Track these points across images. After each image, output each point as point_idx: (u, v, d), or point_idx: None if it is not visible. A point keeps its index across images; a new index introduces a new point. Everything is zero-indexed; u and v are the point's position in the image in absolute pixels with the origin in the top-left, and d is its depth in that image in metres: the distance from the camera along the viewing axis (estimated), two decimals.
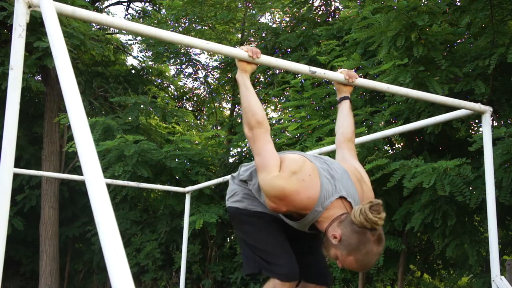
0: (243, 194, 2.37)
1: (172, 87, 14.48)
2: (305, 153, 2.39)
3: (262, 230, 2.30)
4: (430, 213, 5.74)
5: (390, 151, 7.37)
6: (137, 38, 12.02)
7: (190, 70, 12.47)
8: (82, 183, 9.53)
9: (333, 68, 6.47)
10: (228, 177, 5.27)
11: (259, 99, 2.30)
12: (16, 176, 9.57)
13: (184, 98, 14.57)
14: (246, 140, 9.11)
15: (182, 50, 11.23)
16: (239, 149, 10.01)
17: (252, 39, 11.23)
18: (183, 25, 11.27)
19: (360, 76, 2.86)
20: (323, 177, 2.10)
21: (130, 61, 24.86)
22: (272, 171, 2.06)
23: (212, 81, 12.89)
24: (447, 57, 5.74)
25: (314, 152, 4.17)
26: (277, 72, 8.95)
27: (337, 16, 9.49)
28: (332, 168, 2.18)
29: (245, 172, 2.38)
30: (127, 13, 14.78)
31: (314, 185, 2.06)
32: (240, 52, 2.37)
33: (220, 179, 5.46)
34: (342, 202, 2.09)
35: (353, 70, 3.97)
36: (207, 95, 13.38)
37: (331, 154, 6.01)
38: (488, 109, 3.10)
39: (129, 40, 12.94)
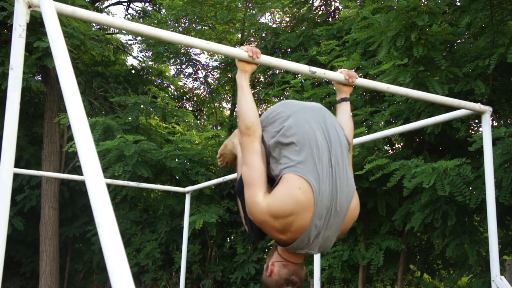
0: None
1: (172, 87, 14.49)
2: (331, 152, 2.12)
3: None
4: (430, 213, 5.74)
5: (390, 151, 7.37)
6: (137, 38, 12.01)
7: (190, 70, 12.48)
8: (82, 183, 9.53)
9: (333, 68, 6.47)
10: (227, 177, 5.29)
11: (254, 101, 2.26)
12: (16, 176, 9.57)
13: (184, 98, 14.57)
14: None
15: (182, 50, 11.23)
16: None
17: (252, 39, 11.23)
18: (183, 25, 11.27)
19: (360, 76, 2.86)
20: (305, 237, 2.03)
21: (130, 61, 24.87)
22: (257, 195, 2.03)
23: (212, 81, 12.89)
24: (447, 57, 5.74)
25: None
26: (277, 72, 8.95)
27: (337, 16, 9.50)
28: (333, 213, 2.06)
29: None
30: (127, 13, 14.80)
31: (289, 237, 2.05)
32: (240, 52, 2.36)
33: (220, 179, 5.46)
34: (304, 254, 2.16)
35: (353, 70, 3.97)
36: (207, 95, 13.38)
37: None
38: (488, 109, 3.10)
39: (129, 40, 12.93)
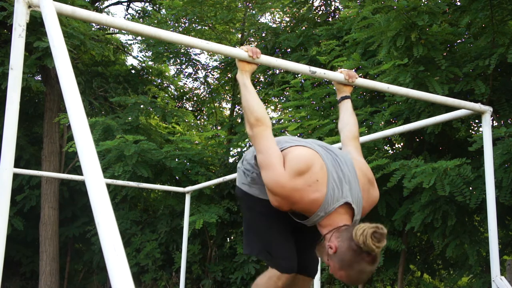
0: (251, 179, 2.34)
1: (172, 87, 14.48)
2: (317, 142, 2.31)
3: (267, 219, 2.30)
4: (430, 213, 5.74)
5: (390, 151, 7.38)
6: (137, 38, 12.01)
7: (190, 70, 12.48)
8: (82, 183, 9.54)
9: (333, 68, 6.47)
10: (227, 177, 5.29)
11: (259, 97, 2.30)
12: (16, 176, 9.57)
13: (184, 98, 14.57)
14: (246, 140, 9.12)
15: (182, 50, 11.23)
16: (239, 149, 10.01)
17: (252, 39, 11.23)
18: (183, 25, 11.26)
19: (360, 76, 2.86)
20: (331, 181, 2.06)
21: (130, 61, 24.91)
22: (276, 169, 2.04)
23: (212, 81, 12.90)
24: (447, 57, 5.74)
25: None
26: (277, 72, 8.95)
27: (337, 16, 9.49)
28: (343, 168, 2.14)
29: (249, 154, 2.39)
30: (127, 13, 14.80)
31: (319, 190, 2.03)
32: (240, 52, 2.37)
33: (220, 179, 5.46)
34: (345, 208, 2.08)
35: (353, 70, 3.97)
36: (207, 95, 13.38)
37: None
38: (488, 109, 3.10)
39: (129, 40, 12.95)
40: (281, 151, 2.16)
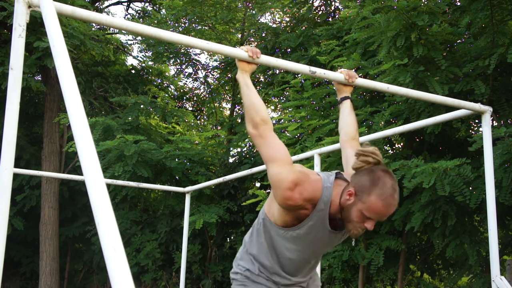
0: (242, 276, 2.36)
1: (172, 87, 14.49)
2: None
3: None
4: (430, 213, 5.74)
5: (390, 151, 7.38)
6: (137, 38, 12.02)
7: (190, 70, 12.49)
8: (82, 183, 9.54)
9: (333, 68, 6.47)
10: (227, 177, 5.29)
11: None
12: (16, 176, 9.57)
13: (184, 98, 14.57)
14: (246, 140, 9.12)
15: (182, 50, 11.24)
16: (239, 149, 10.01)
17: (252, 39, 11.23)
18: (183, 25, 11.27)
19: (360, 76, 2.86)
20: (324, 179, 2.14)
21: (130, 61, 24.89)
22: (286, 162, 2.05)
23: (212, 81, 12.90)
24: (447, 57, 5.74)
25: (314, 152, 4.16)
26: (277, 72, 8.95)
27: (337, 16, 9.50)
28: None
29: (248, 237, 2.39)
30: (127, 13, 14.80)
31: (316, 176, 2.11)
32: (240, 52, 2.36)
33: (220, 179, 5.46)
34: (342, 180, 2.12)
35: (353, 70, 3.96)
36: (207, 95, 13.38)
37: (331, 154, 6.02)
38: (488, 109, 3.10)
39: (129, 40, 12.96)
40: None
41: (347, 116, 2.57)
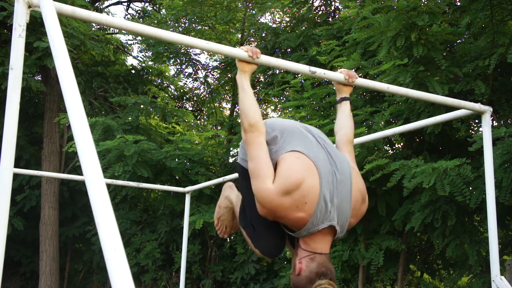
0: None
1: (172, 87, 14.49)
2: (319, 137, 2.27)
3: None
4: (430, 213, 5.74)
5: (390, 151, 7.37)
6: (137, 38, 12.01)
7: (190, 70, 12.48)
8: (82, 183, 9.54)
9: (333, 68, 6.47)
10: (227, 177, 5.29)
11: (256, 100, 2.28)
12: (16, 176, 9.57)
13: (184, 98, 14.57)
14: None
15: (182, 50, 11.23)
16: (239, 149, 9.99)
17: (252, 39, 11.23)
18: (183, 25, 11.27)
19: (360, 76, 2.86)
20: (321, 202, 2.04)
21: (130, 61, 24.90)
22: (265, 183, 2.04)
23: (212, 81, 12.90)
24: (447, 57, 5.74)
25: None
26: (277, 72, 8.95)
27: (337, 16, 9.49)
28: (339, 184, 2.11)
29: None
30: (127, 13, 14.81)
31: (306, 211, 2.04)
32: (240, 52, 2.36)
33: (220, 179, 5.46)
34: (329, 229, 2.11)
35: (353, 70, 3.96)
36: (207, 95, 13.38)
37: None
38: (488, 109, 3.10)
39: (129, 40, 12.95)
40: (278, 152, 2.15)
41: (346, 118, 2.56)
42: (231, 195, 2.52)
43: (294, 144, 2.16)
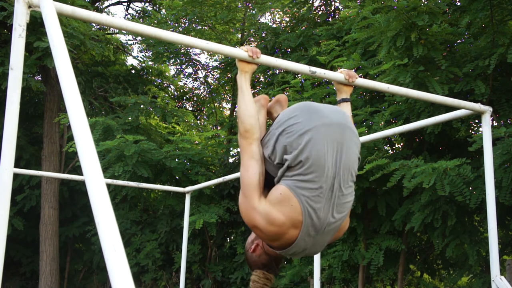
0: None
1: (172, 87, 14.49)
2: (335, 140, 2.07)
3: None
4: (430, 213, 5.74)
5: (390, 151, 7.38)
6: (137, 38, 12.02)
7: (190, 70, 12.49)
8: (82, 183, 9.54)
9: (333, 68, 6.47)
10: (227, 177, 5.29)
11: (254, 103, 2.24)
12: (16, 176, 9.57)
13: (184, 98, 14.57)
14: None
15: (182, 50, 11.24)
16: (239, 149, 9.99)
17: (252, 39, 11.23)
18: (183, 25, 11.27)
19: (360, 76, 2.86)
20: (301, 239, 2.05)
21: (130, 61, 24.89)
22: (252, 199, 2.05)
23: (212, 81, 12.90)
24: (447, 57, 5.74)
25: None
26: (277, 72, 8.95)
27: (337, 16, 9.50)
28: (332, 211, 2.06)
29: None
30: (127, 13, 14.80)
31: (279, 245, 2.10)
32: (240, 52, 2.36)
33: (220, 179, 5.47)
34: None
35: (353, 70, 3.96)
36: (207, 95, 13.38)
37: None
38: (488, 109, 3.10)
39: (129, 40, 12.96)
40: (281, 170, 2.06)
41: None
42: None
43: (302, 188, 2.02)
